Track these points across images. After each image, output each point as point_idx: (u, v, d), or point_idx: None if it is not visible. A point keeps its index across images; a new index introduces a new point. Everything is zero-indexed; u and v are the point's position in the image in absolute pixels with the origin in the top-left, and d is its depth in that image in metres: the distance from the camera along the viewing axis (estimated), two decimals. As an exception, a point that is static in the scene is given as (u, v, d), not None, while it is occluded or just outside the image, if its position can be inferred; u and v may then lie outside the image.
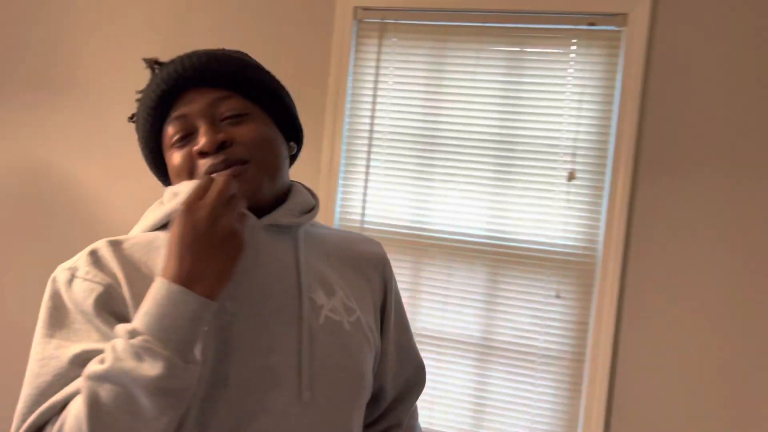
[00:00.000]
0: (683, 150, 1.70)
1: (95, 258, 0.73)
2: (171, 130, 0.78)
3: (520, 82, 1.82)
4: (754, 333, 1.66)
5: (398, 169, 1.90)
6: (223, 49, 0.83)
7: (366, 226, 1.92)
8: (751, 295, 1.66)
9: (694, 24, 1.70)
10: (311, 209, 0.85)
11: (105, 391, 0.61)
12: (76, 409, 0.62)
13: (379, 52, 1.92)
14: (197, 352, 0.66)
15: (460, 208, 1.86)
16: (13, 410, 0.80)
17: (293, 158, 0.89)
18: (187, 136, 0.77)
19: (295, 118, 0.86)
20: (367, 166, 1.92)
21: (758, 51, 1.66)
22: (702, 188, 1.69)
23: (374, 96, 1.91)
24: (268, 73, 0.83)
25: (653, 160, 1.71)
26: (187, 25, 2.05)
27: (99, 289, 0.70)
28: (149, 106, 0.79)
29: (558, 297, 1.78)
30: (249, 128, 0.76)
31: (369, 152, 1.92)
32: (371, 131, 1.92)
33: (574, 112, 1.79)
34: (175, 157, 0.78)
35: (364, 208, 1.92)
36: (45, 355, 0.68)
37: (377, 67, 1.91)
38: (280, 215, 0.78)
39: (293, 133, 0.86)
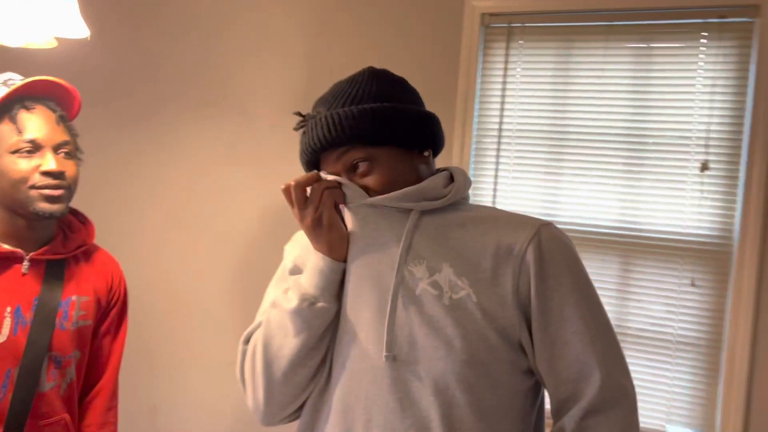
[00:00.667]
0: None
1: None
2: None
3: (649, 77, 1.88)
4: None
5: (528, 164, 2.00)
6: (346, 104, 0.97)
7: (497, 220, 2.02)
8: None
9: (833, 11, 1.70)
10: (439, 197, 0.97)
11: (272, 315, 0.99)
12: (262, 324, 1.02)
13: (506, 55, 2.02)
14: (324, 297, 0.94)
15: (590, 200, 1.93)
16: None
17: (437, 151, 1.05)
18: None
19: (424, 131, 0.99)
20: (497, 164, 2.03)
21: None
22: None
23: (503, 97, 2.01)
24: (392, 112, 0.96)
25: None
26: (324, 40, 2.23)
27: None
28: (304, 160, 1.05)
29: (693, 285, 1.82)
30: (376, 177, 0.97)
31: (498, 150, 2.03)
32: (500, 130, 2.02)
33: (706, 104, 1.82)
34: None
35: (494, 203, 2.02)
36: (265, 297, 1.09)
37: (505, 69, 2.02)
38: (383, 199, 0.95)
39: (426, 140, 1.01)
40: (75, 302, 1.27)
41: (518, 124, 2.01)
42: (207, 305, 2.34)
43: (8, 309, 1.17)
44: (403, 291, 0.92)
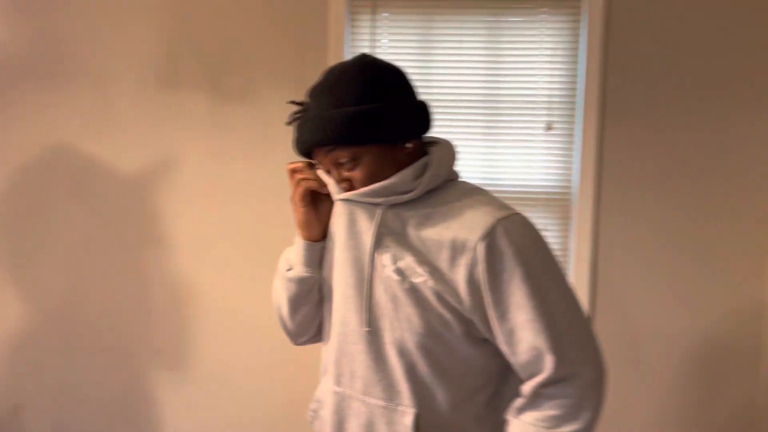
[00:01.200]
0: (645, 99, 2.05)
1: None
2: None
3: (500, 47, 2.10)
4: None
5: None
6: (329, 107, 1.04)
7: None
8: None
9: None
10: (407, 191, 1.06)
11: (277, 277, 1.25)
12: None
13: (373, 27, 2.13)
14: (297, 267, 1.17)
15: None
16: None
17: (425, 132, 1.13)
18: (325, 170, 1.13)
19: (404, 126, 1.07)
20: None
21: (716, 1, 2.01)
22: (663, 132, 2.05)
23: (372, 66, 2.13)
24: (366, 112, 1.03)
25: (618, 108, 2.05)
26: (188, 14, 2.16)
27: None
28: (296, 150, 1.13)
29: (544, 230, 2.11)
30: (359, 173, 1.07)
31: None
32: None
33: (547, 72, 2.09)
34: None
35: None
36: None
37: (372, 41, 2.13)
38: (353, 195, 1.08)
39: (407, 133, 1.08)
40: None
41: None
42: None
43: None
44: (375, 275, 1.07)
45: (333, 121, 1.02)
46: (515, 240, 1.01)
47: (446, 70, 2.12)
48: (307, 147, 1.09)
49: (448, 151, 1.14)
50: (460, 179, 1.17)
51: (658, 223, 2.08)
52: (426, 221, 1.06)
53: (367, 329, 1.08)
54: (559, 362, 0.99)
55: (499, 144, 2.13)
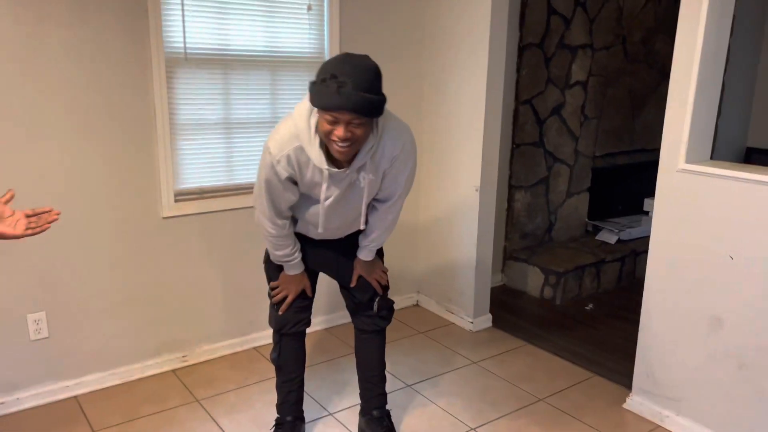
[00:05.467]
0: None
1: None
2: (328, 117, 1.71)
3: (274, -57, 2.76)
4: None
5: (202, 5, 2.63)
6: (360, 90, 1.66)
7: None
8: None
9: None
10: (367, 151, 1.87)
11: (269, 239, 2.09)
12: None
13: None
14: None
15: (247, 33, 2.78)
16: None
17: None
18: (334, 122, 1.72)
19: (381, 109, 1.76)
20: (183, 8, 2.57)
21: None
22: (380, 12, 3.12)
23: (179, -51, 2.50)
24: (376, 100, 1.71)
25: (352, -2, 3.03)
26: None
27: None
28: (320, 106, 1.70)
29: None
30: (360, 131, 1.73)
31: (181, -5, 2.56)
32: (180, -22, 2.54)
33: (305, -34, 2.88)
34: (325, 125, 1.73)
35: (184, 41, 2.61)
36: (258, 180, 2.01)
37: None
38: (349, 167, 1.88)
39: (379, 112, 1.80)
40: None
41: (194, -27, 2.58)
42: None
43: None
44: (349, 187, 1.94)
45: (363, 100, 1.68)
46: (410, 150, 1.99)
47: (236, -42, 2.68)
48: (335, 107, 1.66)
49: (385, 115, 1.90)
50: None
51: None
52: (379, 156, 1.92)
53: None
54: (399, 198, 2.07)
55: (274, 21, 2.86)
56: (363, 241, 2.15)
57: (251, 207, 2.91)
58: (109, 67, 2.48)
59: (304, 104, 1.84)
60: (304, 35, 2.98)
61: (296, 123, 1.84)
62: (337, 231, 2.08)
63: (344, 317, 3.34)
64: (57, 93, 2.39)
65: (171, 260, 2.80)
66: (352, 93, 1.65)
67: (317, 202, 1.96)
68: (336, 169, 1.85)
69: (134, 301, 2.74)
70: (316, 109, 1.77)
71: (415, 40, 3.36)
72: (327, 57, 3.04)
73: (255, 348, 3.12)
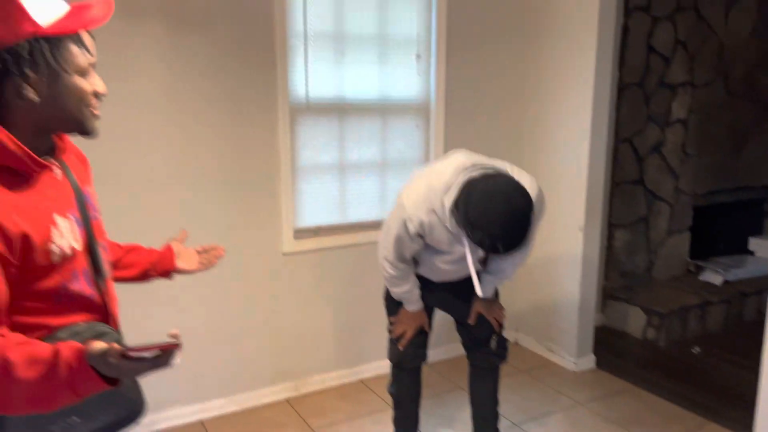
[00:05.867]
0: (473, 40, 3.21)
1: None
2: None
3: (387, 4, 2.97)
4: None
5: (323, 58, 2.85)
6: (520, 228, 1.74)
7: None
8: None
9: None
10: None
11: (395, 287, 2.20)
12: None
13: (306, -24, 2.70)
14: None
15: (359, 81, 2.97)
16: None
17: None
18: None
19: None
20: (306, 59, 2.80)
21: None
22: (486, 61, 3.26)
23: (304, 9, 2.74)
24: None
25: (456, 46, 3.18)
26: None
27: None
28: (484, 242, 1.76)
29: (417, 126, 3.18)
30: None
31: (306, 48, 2.78)
32: (305, 34, 2.77)
33: (416, 20, 3.06)
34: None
35: (306, 88, 2.82)
36: (386, 232, 2.11)
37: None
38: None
39: None
40: (91, 193, 1.34)
41: (315, 31, 2.80)
42: None
43: (70, 216, 1.22)
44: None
45: (512, 250, 1.80)
46: (540, 209, 2.05)
47: (352, 16, 2.88)
48: (486, 252, 1.87)
49: None
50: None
51: (486, 123, 3.35)
52: None
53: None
54: None
55: (388, 69, 3.04)
56: (485, 277, 2.21)
57: (363, 244, 3.08)
58: (241, 115, 2.72)
59: (440, 179, 1.89)
60: (413, 83, 3.14)
61: (432, 189, 1.90)
62: (456, 275, 2.18)
63: (445, 353, 3.40)
64: (195, 139, 2.64)
65: (288, 293, 2.98)
66: (507, 250, 1.77)
67: (440, 252, 2.04)
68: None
69: (253, 330, 2.93)
70: (451, 194, 1.84)
71: (517, 82, 3.45)
72: (433, 103, 3.19)
73: (362, 380, 3.23)
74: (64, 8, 1.15)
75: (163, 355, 1.03)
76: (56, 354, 1.03)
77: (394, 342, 2.29)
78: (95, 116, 1.22)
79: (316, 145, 2.93)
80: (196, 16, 2.56)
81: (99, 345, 1.03)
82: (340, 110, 2.95)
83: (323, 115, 2.92)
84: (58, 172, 1.23)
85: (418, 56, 3.11)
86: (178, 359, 1.03)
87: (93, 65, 1.20)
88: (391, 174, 3.16)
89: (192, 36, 2.56)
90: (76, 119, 1.19)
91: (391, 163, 3.16)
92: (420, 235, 1.97)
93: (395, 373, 2.33)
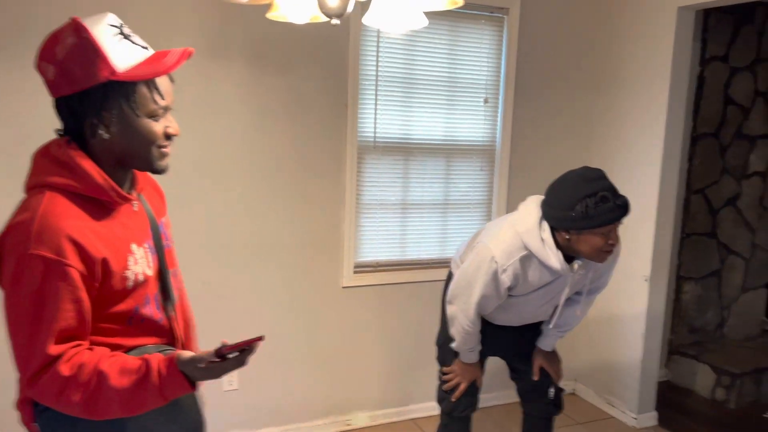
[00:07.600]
0: (541, 84, 3.24)
1: None
2: (603, 230, 1.82)
3: (457, 46, 3.04)
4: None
5: (391, 100, 2.94)
6: (620, 195, 1.82)
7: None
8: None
9: (548, 15, 3.18)
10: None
11: (462, 332, 2.14)
12: None
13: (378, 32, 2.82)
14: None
15: (428, 122, 3.04)
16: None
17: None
18: (608, 233, 1.84)
19: None
20: (375, 101, 2.90)
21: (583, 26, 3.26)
22: (554, 104, 3.28)
23: (377, 55, 2.85)
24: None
25: (525, 90, 3.21)
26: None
27: None
28: (601, 223, 1.80)
29: (481, 170, 3.21)
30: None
31: (376, 91, 2.89)
32: (376, 77, 2.87)
33: (485, 64, 3.12)
34: (596, 241, 1.84)
35: (374, 127, 2.91)
36: (472, 285, 2.05)
37: (376, 49, 2.83)
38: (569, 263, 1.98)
39: None
40: (165, 223, 1.43)
41: (385, 74, 2.91)
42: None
43: (145, 245, 1.30)
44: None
45: (627, 200, 1.83)
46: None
47: (423, 61, 2.97)
48: (618, 218, 1.80)
49: None
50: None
51: (551, 167, 3.35)
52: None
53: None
54: None
55: (455, 112, 3.10)
56: (550, 330, 2.20)
57: (421, 282, 3.10)
58: (313, 154, 2.84)
59: (529, 220, 1.93)
60: (479, 125, 3.18)
61: (520, 235, 1.92)
62: (523, 320, 2.16)
63: (496, 399, 3.34)
64: (271, 175, 2.77)
65: (344, 327, 3.03)
66: (621, 199, 1.81)
67: (516, 296, 2.03)
68: (572, 268, 1.95)
69: (307, 361, 2.98)
70: (545, 226, 1.89)
71: (584, 130, 3.44)
72: (499, 146, 3.21)
73: (413, 419, 3.22)
74: (144, 55, 1.21)
75: (248, 350, 1.19)
76: (146, 363, 1.16)
77: (445, 391, 2.27)
78: (163, 155, 1.27)
79: (380, 182, 3.01)
80: (277, 60, 2.71)
81: (187, 352, 1.17)
82: (405, 150, 3.03)
83: (389, 154, 3.00)
84: (135, 203, 1.32)
85: (486, 100, 3.16)
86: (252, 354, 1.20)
87: (166, 108, 1.24)
88: (452, 214, 3.20)
89: (272, 78, 2.71)
90: (144, 158, 1.25)
91: (454, 203, 3.20)
92: (509, 288, 1.97)
93: (445, 422, 2.31)
